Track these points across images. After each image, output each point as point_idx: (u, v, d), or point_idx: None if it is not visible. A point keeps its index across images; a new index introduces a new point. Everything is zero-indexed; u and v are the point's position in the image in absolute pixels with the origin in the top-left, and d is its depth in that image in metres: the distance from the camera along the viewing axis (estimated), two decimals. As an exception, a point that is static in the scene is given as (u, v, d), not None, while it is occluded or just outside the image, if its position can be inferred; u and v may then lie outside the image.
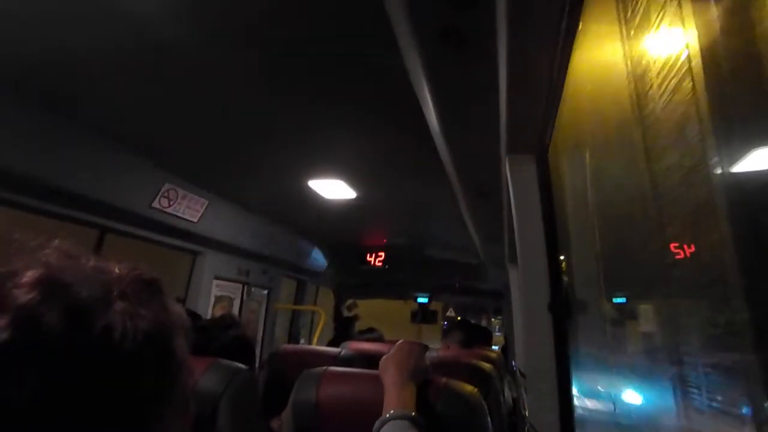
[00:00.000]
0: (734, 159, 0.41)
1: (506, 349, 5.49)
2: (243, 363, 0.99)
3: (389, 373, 0.92)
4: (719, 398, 0.46)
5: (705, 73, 0.43)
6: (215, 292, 3.54)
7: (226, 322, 1.21)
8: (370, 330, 3.08)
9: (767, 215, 0.38)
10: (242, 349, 1.18)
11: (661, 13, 0.54)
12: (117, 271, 0.39)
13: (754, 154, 0.40)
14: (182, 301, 3.27)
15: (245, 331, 1.24)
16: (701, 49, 0.44)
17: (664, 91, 0.53)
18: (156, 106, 1.81)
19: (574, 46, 0.89)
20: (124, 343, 0.34)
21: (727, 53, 0.41)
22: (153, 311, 0.38)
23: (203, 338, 1.13)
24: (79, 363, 0.33)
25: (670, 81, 0.48)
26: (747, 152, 0.40)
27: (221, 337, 1.15)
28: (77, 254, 0.38)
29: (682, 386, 0.55)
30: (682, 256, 0.57)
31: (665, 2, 0.54)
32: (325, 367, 1.02)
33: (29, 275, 0.34)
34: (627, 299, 1.10)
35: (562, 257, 1.32)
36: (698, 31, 0.45)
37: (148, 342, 0.36)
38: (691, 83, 0.44)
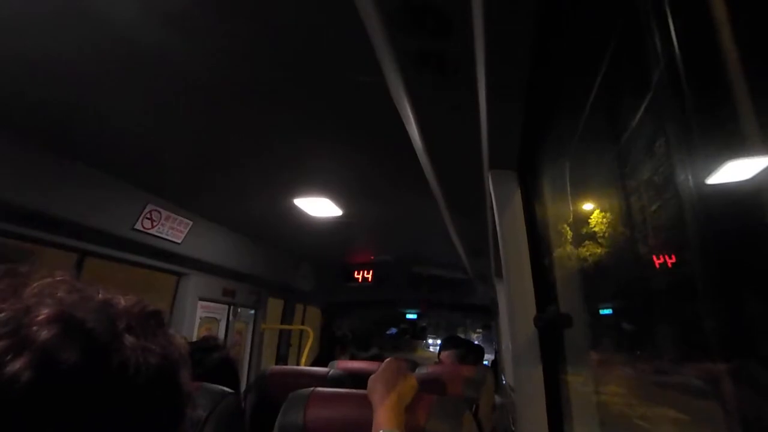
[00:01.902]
0: (700, 172, 0.43)
1: (496, 364, 5.48)
2: (228, 385, 0.97)
3: (377, 393, 0.91)
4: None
5: (669, 87, 0.45)
6: (200, 314, 3.47)
7: (209, 344, 1.19)
8: (366, 348, 3.09)
9: (732, 226, 0.39)
10: (227, 371, 1.16)
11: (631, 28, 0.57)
12: (123, 303, 0.39)
13: (719, 168, 0.42)
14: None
15: (228, 352, 1.22)
16: (665, 65, 0.46)
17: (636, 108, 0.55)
18: (137, 125, 1.80)
19: (552, 65, 0.92)
20: (138, 379, 0.35)
21: (688, 70, 0.43)
22: (160, 345, 0.38)
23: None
24: (97, 400, 0.33)
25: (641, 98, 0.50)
26: (713, 167, 0.42)
27: (206, 361, 1.13)
28: (83, 287, 0.38)
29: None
30: (658, 266, 0.59)
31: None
32: (312, 388, 1.01)
33: (45, 312, 0.33)
34: (612, 310, 1.11)
35: (547, 270, 1.33)
36: (661, 47, 0.47)
37: (158, 376, 0.36)
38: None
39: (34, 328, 0.32)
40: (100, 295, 0.38)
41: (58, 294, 0.35)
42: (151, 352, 0.37)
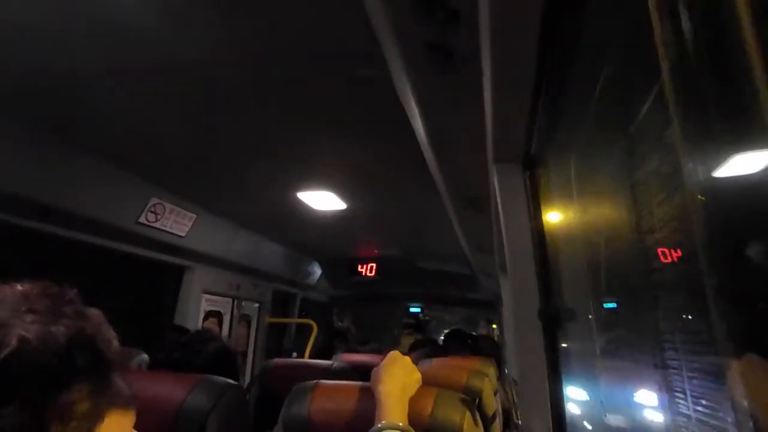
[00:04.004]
0: (708, 165, 0.42)
1: (500, 358, 5.48)
2: (227, 375, 0.98)
3: (381, 385, 0.91)
4: (703, 403, 0.47)
5: (674, 78, 0.44)
6: (205, 307, 3.49)
7: (205, 336, 1.20)
8: (365, 342, 3.10)
9: (742, 219, 0.39)
10: (225, 361, 1.16)
11: (636, 23, 0.56)
12: (20, 288, 0.41)
13: (727, 159, 0.41)
14: (171, 316, 3.22)
15: (225, 343, 1.23)
16: (672, 54, 0.45)
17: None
18: (141, 119, 1.80)
19: (558, 57, 0.91)
20: (44, 351, 0.37)
21: (698, 60, 0.42)
22: (69, 318, 0.40)
23: (187, 354, 1.12)
24: (2, 378, 0.34)
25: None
26: (721, 158, 0.42)
27: (203, 352, 1.13)
28: None
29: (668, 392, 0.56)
30: (669, 260, 0.58)
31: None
32: (316, 381, 1.01)
33: None
34: (617, 304, 1.10)
35: (551, 264, 1.33)
36: (667, 38, 0.46)
37: (73, 345, 0.38)
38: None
39: None
40: None
41: None
42: (58, 324, 0.38)
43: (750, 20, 0.38)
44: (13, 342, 0.35)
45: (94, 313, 0.44)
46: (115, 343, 0.44)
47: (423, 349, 2.68)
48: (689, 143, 0.47)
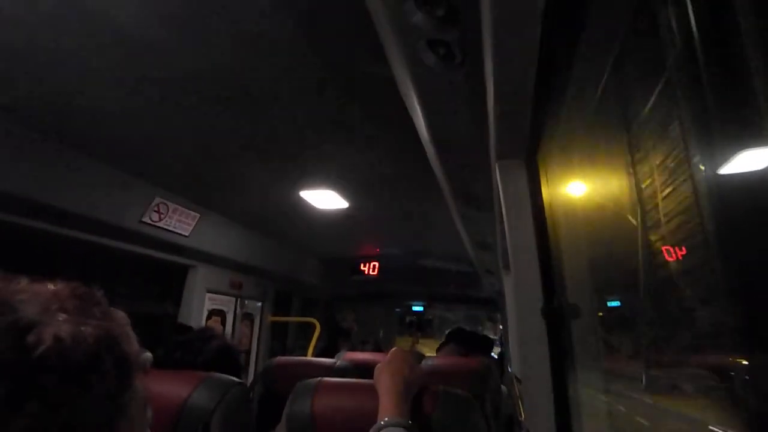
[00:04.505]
0: (715, 160, 0.42)
1: (502, 355, 5.47)
2: (230, 373, 0.98)
3: (383, 381, 0.91)
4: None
5: (685, 72, 0.44)
6: (208, 306, 3.50)
7: (207, 334, 1.20)
8: (365, 342, 3.09)
9: (748, 215, 0.38)
10: (227, 359, 1.17)
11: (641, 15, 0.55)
12: (52, 288, 0.41)
13: (735, 155, 0.40)
14: (175, 315, 3.23)
15: (227, 340, 1.23)
16: (681, 49, 0.44)
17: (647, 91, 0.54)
18: (145, 119, 1.80)
19: (559, 54, 0.91)
20: (77, 350, 0.37)
21: (706, 55, 0.42)
22: (96, 319, 0.40)
23: (189, 353, 1.12)
24: (34, 374, 0.34)
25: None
26: (728, 154, 0.41)
27: (205, 350, 1.13)
28: (8, 277, 0.40)
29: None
30: (673, 258, 0.58)
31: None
32: (319, 378, 1.01)
33: None
34: (621, 302, 1.10)
35: (554, 261, 1.32)
36: (677, 31, 0.46)
37: (99, 346, 0.39)
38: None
39: None
40: (21, 284, 0.40)
41: None
42: (88, 325, 0.39)
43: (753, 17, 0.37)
44: (49, 340, 0.36)
45: (120, 315, 0.44)
46: (137, 345, 0.44)
47: (450, 345, 2.69)
48: (695, 138, 0.46)
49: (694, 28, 0.43)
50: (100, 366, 0.38)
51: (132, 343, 0.44)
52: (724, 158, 0.43)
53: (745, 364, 0.41)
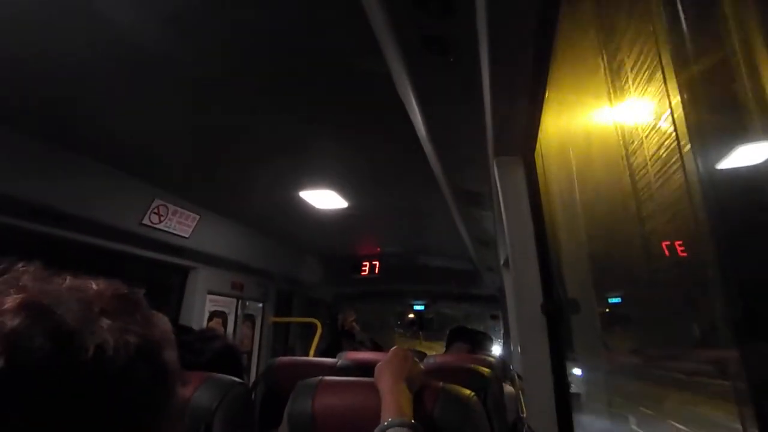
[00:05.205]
0: (708, 154, 0.42)
1: (504, 353, 5.47)
2: (232, 373, 0.98)
3: (385, 380, 0.92)
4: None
5: (675, 66, 0.44)
6: (209, 308, 3.50)
7: (208, 334, 1.20)
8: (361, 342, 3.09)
9: (745, 211, 0.39)
10: (229, 359, 1.17)
11: (634, 12, 0.55)
12: (95, 287, 0.39)
13: (727, 150, 0.41)
14: (176, 317, 3.23)
15: (229, 340, 1.23)
16: (671, 47, 0.45)
17: (638, 84, 0.54)
18: (143, 121, 1.80)
19: (555, 49, 0.91)
20: (118, 360, 0.35)
21: (696, 51, 0.42)
22: (139, 325, 0.38)
23: (190, 353, 1.12)
24: (74, 383, 0.33)
25: (643, 74, 0.49)
26: (721, 149, 0.41)
27: (207, 350, 1.14)
28: (49, 275, 0.38)
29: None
30: (667, 253, 0.58)
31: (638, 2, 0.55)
32: (320, 377, 1.01)
33: (10, 301, 0.33)
34: (621, 299, 1.10)
35: (553, 257, 1.33)
36: (669, 31, 0.46)
37: (139, 356, 0.36)
38: (661, 76, 0.45)
39: (0, 318, 0.32)
40: (66, 282, 0.38)
41: (22, 283, 0.35)
42: (130, 332, 0.37)
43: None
44: (92, 349, 0.34)
45: (162, 320, 0.42)
46: (176, 351, 0.42)
47: (457, 344, 2.71)
48: (690, 131, 0.47)
49: (689, 23, 0.43)
50: (141, 375, 0.37)
51: (172, 349, 0.42)
52: (719, 151, 0.43)
53: (740, 356, 0.41)
